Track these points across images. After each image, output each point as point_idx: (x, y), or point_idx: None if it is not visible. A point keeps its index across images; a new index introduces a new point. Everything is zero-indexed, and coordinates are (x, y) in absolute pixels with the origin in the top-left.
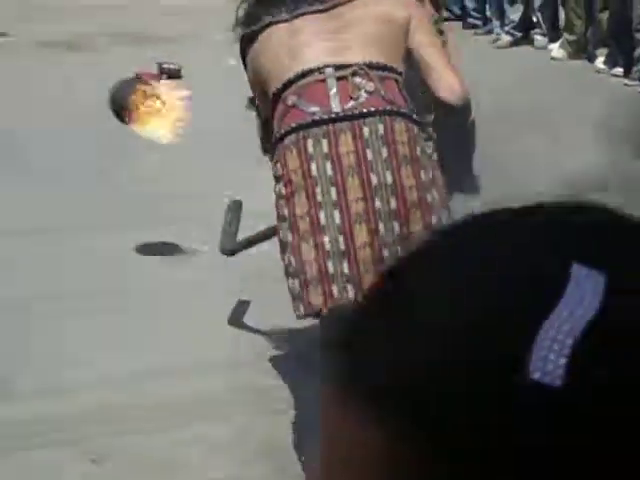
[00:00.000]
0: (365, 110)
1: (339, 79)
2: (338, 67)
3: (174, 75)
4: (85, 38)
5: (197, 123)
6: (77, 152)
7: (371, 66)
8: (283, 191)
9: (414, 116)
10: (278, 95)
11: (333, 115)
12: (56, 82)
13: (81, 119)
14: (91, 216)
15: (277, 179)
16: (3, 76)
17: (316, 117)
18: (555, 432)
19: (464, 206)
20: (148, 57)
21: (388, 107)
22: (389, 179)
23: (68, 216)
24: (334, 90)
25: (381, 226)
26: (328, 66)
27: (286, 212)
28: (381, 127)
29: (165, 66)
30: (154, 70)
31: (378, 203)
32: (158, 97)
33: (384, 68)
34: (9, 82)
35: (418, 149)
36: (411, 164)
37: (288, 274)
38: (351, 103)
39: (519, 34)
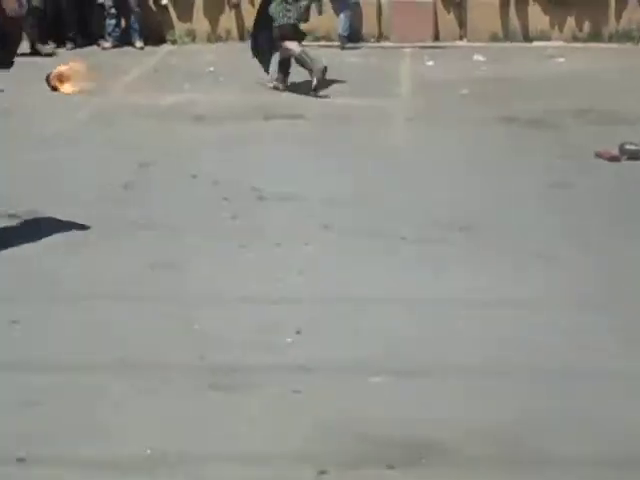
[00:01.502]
0: None
1: None
2: None
3: (635, 156)
4: (553, 115)
5: None
6: None
7: None
8: None
9: None
10: None
11: None
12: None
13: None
14: None
15: None
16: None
17: None
18: None
19: None
20: (612, 136)
21: None
22: None
23: None
24: None
25: None
26: None
27: None
28: None
29: (627, 147)
30: (615, 150)
31: None
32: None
33: None
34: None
35: None
36: None
37: None
38: None
39: None
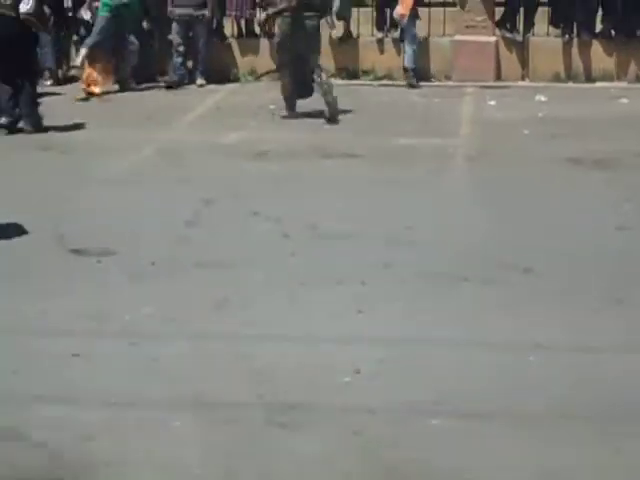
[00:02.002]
0: None
1: None
2: None
3: None
4: (616, 156)
5: None
6: None
7: None
8: None
9: None
10: None
11: None
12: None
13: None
14: None
15: None
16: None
17: None
18: None
19: None
20: None
21: None
22: None
23: None
24: None
25: None
26: None
27: None
28: None
29: None
30: None
31: None
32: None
33: None
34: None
35: None
36: None
37: None
38: None
39: None
